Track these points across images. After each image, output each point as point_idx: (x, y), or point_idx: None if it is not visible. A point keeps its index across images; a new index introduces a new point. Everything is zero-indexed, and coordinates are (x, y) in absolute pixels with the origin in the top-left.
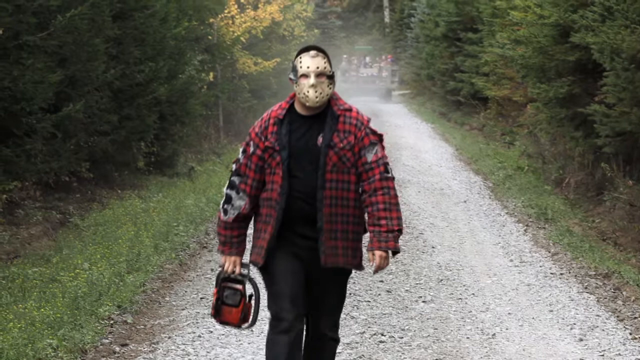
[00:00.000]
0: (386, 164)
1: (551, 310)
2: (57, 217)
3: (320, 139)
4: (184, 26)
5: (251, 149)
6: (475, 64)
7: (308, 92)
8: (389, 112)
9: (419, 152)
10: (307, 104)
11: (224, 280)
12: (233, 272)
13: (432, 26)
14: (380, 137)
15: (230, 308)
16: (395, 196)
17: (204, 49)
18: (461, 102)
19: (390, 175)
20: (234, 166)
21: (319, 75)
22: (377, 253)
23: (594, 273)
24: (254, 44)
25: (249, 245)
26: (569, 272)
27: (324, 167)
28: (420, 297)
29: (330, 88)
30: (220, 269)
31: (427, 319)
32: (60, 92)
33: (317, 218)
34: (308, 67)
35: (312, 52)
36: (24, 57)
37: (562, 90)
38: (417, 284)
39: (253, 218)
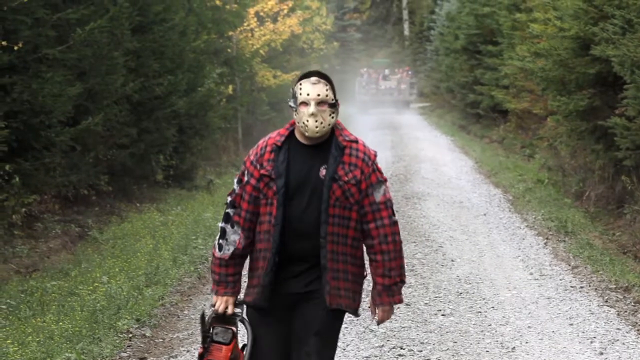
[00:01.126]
0: (393, 206)
1: (571, 324)
2: (75, 230)
3: (323, 171)
4: (203, 39)
5: (246, 178)
6: (495, 77)
7: (308, 121)
8: (409, 124)
9: (439, 164)
10: (307, 133)
11: (215, 320)
12: (225, 311)
13: (451, 39)
14: (385, 178)
15: (220, 346)
16: (401, 242)
17: (223, 61)
18: (481, 115)
19: (396, 219)
20: (228, 198)
21: (319, 103)
22: (385, 308)
23: (614, 286)
24: (273, 57)
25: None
26: (589, 286)
27: (327, 201)
28: (440, 310)
29: (332, 117)
30: (210, 308)
31: (447, 332)
32: (79, 105)
33: (320, 255)
34: (308, 95)
35: (313, 79)
36: (43, 71)
37: (583, 103)
38: (436, 297)
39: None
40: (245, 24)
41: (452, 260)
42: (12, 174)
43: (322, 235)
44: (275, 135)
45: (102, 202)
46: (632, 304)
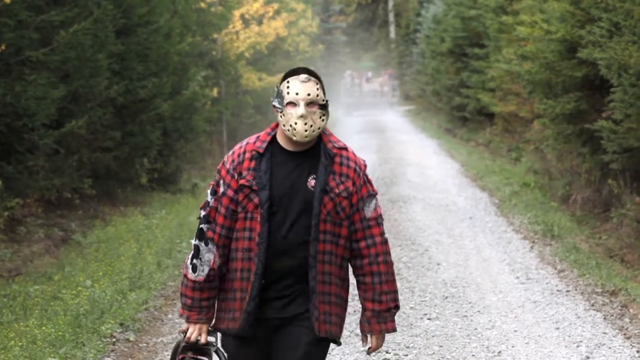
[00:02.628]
0: (383, 223)
1: (557, 328)
2: (59, 234)
3: (312, 181)
4: (188, 42)
5: (221, 190)
6: (481, 80)
7: (296, 123)
8: (394, 127)
9: (425, 168)
10: (295, 138)
11: (185, 350)
12: (197, 340)
13: (437, 41)
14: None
15: None
16: (393, 263)
17: (208, 64)
18: (467, 118)
19: (387, 237)
20: (202, 212)
21: (309, 104)
22: (376, 336)
23: (600, 290)
24: (258, 60)
25: None
26: (576, 289)
27: (318, 216)
28: (426, 314)
29: (322, 120)
30: (181, 336)
31: (432, 336)
32: (62, 108)
33: (302, 276)
34: (297, 94)
35: (303, 76)
36: (26, 73)
37: (569, 106)
38: (422, 301)
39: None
40: (230, 27)
41: (438, 264)
42: None
43: (312, 254)
44: (254, 141)
45: (86, 206)
46: (619, 307)
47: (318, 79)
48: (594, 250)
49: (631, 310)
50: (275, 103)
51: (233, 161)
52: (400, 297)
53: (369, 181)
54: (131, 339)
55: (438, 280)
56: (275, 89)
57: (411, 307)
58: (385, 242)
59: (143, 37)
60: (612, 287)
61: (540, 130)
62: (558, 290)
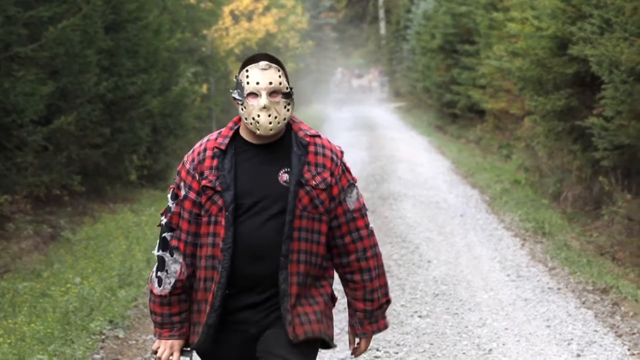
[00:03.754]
0: (367, 213)
1: (548, 326)
2: (48, 231)
3: (283, 175)
4: (177, 38)
5: (182, 193)
6: (472, 77)
7: (259, 116)
8: (385, 124)
9: (415, 165)
10: (259, 131)
11: None
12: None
13: (428, 38)
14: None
15: None
16: (381, 254)
17: (198, 60)
18: (457, 115)
19: (372, 227)
20: (163, 219)
21: (272, 93)
22: (367, 337)
23: (591, 288)
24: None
25: None
26: (567, 287)
27: (292, 212)
28: (416, 312)
29: (288, 110)
30: (153, 357)
31: (423, 334)
32: (51, 104)
33: (278, 279)
34: (258, 83)
35: (263, 63)
36: (14, 69)
37: (560, 103)
38: (412, 298)
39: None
40: (220, 23)
41: (429, 262)
42: None
43: (284, 254)
44: (215, 137)
45: (75, 203)
46: (610, 305)
47: (280, 65)
48: (585, 247)
49: (622, 308)
50: (235, 95)
51: (193, 160)
52: (390, 295)
53: (348, 169)
54: (120, 336)
55: (429, 278)
56: (235, 80)
57: (402, 305)
58: (371, 233)
59: (132, 33)
60: (603, 285)
61: (531, 128)
62: (549, 288)
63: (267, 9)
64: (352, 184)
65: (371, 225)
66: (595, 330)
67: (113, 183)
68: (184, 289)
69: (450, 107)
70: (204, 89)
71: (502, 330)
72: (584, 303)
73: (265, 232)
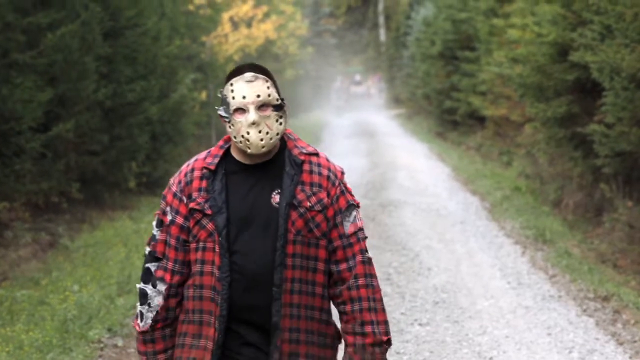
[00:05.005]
0: (365, 239)
1: (549, 334)
2: (46, 238)
3: (275, 197)
4: (176, 44)
5: (168, 218)
6: (472, 83)
7: (248, 133)
8: (384, 131)
9: (415, 172)
10: (249, 150)
11: None
12: None
13: (428, 44)
14: (356, 202)
15: None
16: (380, 288)
17: (197, 67)
18: (458, 122)
19: (370, 255)
20: (147, 249)
21: (261, 107)
22: None
23: (593, 295)
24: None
25: None
26: (568, 295)
27: (284, 237)
28: (416, 319)
29: (280, 123)
30: None
31: (423, 342)
32: (50, 111)
33: (271, 311)
34: (244, 97)
35: (248, 75)
36: (13, 76)
37: (561, 109)
38: (412, 306)
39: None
40: (219, 29)
41: (429, 269)
42: None
43: (276, 283)
44: (204, 157)
45: (74, 210)
46: (611, 313)
47: (268, 74)
48: (586, 255)
49: (624, 316)
50: (221, 112)
51: (180, 182)
52: (390, 303)
53: (348, 190)
54: (119, 344)
55: (429, 286)
56: (219, 95)
57: (402, 313)
58: (367, 261)
59: (131, 40)
60: (604, 293)
61: (531, 134)
62: (550, 296)
63: (266, 15)
64: (352, 205)
65: (369, 253)
66: (597, 338)
67: (112, 190)
68: (168, 323)
69: (451, 114)
70: (203, 95)
71: (502, 338)
72: (585, 311)
73: (258, 260)
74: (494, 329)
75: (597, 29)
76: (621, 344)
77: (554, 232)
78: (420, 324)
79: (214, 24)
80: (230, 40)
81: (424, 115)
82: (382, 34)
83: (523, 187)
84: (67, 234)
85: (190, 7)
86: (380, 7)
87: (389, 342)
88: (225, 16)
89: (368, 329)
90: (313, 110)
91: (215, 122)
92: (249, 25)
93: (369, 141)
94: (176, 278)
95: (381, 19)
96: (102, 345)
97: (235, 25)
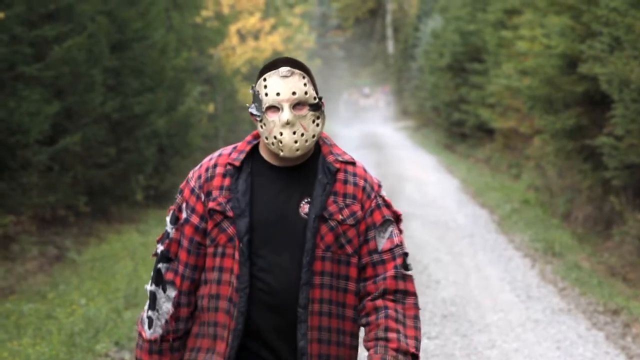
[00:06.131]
0: (405, 256)
1: (559, 347)
2: (53, 251)
3: (305, 206)
4: (184, 57)
5: (184, 215)
6: (480, 95)
7: (282, 134)
8: (393, 143)
9: (424, 184)
10: (282, 153)
11: None
12: None
13: (436, 57)
14: (396, 215)
15: None
16: (416, 307)
17: (204, 80)
18: (466, 134)
19: (410, 272)
20: (159, 247)
21: (296, 105)
22: None
23: (602, 309)
24: (255, 75)
25: None
26: (577, 308)
27: (312, 252)
28: (425, 333)
29: (317, 125)
30: None
31: (432, 355)
32: (56, 124)
33: (294, 334)
34: (278, 94)
35: (284, 70)
36: (19, 89)
37: (570, 121)
38: (421, 319)
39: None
40: (226, 42)
41: (438, 282)
42: None
43: (302, 304)
44: (230, 152)
45: (81, 223)
46: (621, 327)
47: (305, 70)
48: (596, 268)
49: (634, 330)
50: (252, 110)
51: (199, 177)
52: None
53: (387, 203)
54: (126, 358)
55: (437, 299)
56: (251, 91)
57: None
58: (401, 277)
59: (138, 52)
60: (614, 306)
61: (540, 147)
62: (559, 309)
63: (274, 27)
64: (388, 220)
65: (409, 271)
66: (607, 352)
67: (119, 203)
68: (179, 335)
69: (459, 126)
70: (211, 108)
71: (512, 352)
72: (594, 324)
73: (282, 275)
74: (503, 342)
75: (606, 41)
76: (631, 357)
77: (564, 245)
78: (428, 338)
79: (221, 36)
80: (237, 52)
81: (433, 128)
82: (390, 46)
83: (532, 199)
84: (74, 247)
85: (198, 20)
86: (388, 19)
87: (415, 357)
88: (233, 28)
89: (392, 335)
90: None
91: (223, 135)
92: (256, 37)
93: (377, 153)
94: (186, 284)
95: (389, 31)
96: (109, 359)
97: (242, 37)
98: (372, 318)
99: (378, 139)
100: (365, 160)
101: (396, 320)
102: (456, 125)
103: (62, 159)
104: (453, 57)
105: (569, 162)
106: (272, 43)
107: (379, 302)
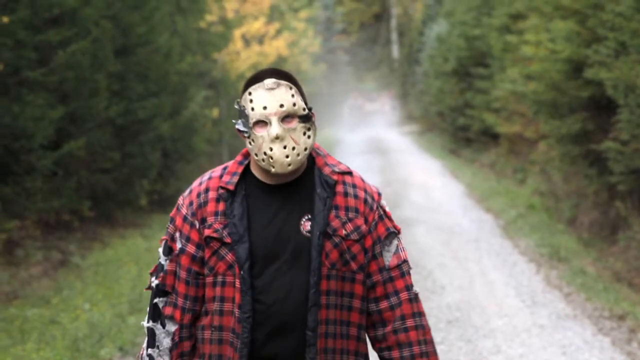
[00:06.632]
0: (410, 272)
1: (564, 353)
2: (57, 256)
3: (306, 224)
4: (188, 61)
5: (178, 245)
6: (485, 100)
7: (271, 149)
8: (398, 148)
9: (429, 189)
10: (273, 169)
11: None
12: None
13: (441, 61)
14: (397, 229)
15: None
16: (429, 328)
17: (208, 84)
18: (471, 139)
19: (416, 290)
20: (153, 280)
21: (285, 118)
22: None
23: (608, 314)
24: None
25: None
26: (583, 314)
27: (318, 271)
28: None
29: (309, 137)
30: None
31: None
32: (61, 129)
33: (304, 359)
34: (265, 108)
35: (269, 82)
36: (24, 93)
37: (575, 126)
38: None
39: None
40: (231, 46)
41: (442, 287)
42: None
43: (310, 327)
44: (219, 174)
45: (85, 228)
46: (627, 332)
47: (291, 80)
48: (601, 273)
49: (639, 335)
50: (239, 126)
51: (191, 204)
52: None
53: (387, 215)
54: None
55: (442, 304)
56: (236, 107)
57: None
58: (414, 298)
59: (142, 57)
60: (620, 312)
61: (545, 151)
62: (565, 315)
63: (278, 32)
64: (392, 233)
65: (415, 288)
66: (612, 358)
67: (123, 208)
68: None
69: (464, 131)
70: (215, 113)
71: (517, 358)
72: (600, 330)
73: (287, 299)
74: (508, 348)
75: (612, 46)
76: None
77: (569, 250)
78: None
79: (225, 41)
80: (242, 57)
81: (437, 132)
82: (395, 51)
83: (537, 204)
84: (78, 252)
85: (202, 24)
86: (393, 23)
87: None
88: (237, 33)
89: None
90: (325, 128)
91: (227, 140)
92: (260, 42)
93: (382, 158)
94: (187, 317)
95: (394, 36)
96: None
97: (247, 42)
98: (395, 354)
99: (383, 144)
100: (370, 165)
101: (421, 356)
102: (461, 130)
103: (66, 164)
104: (458, 61)
105: (574, 167)
106: (276, 48)
107: (402, 337)
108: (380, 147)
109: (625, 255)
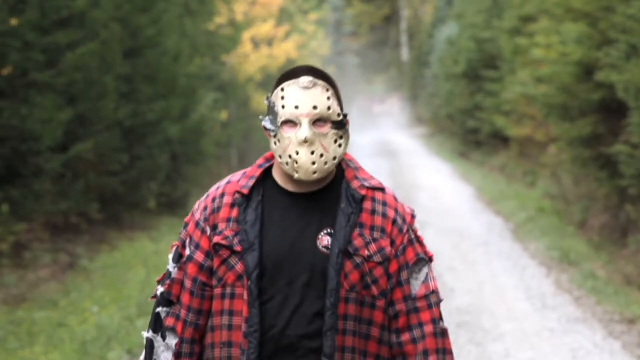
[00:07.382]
0: (440, 304)
1: (575, 357)
2: (65, 259)
3: (324, 239)
4: (197, 64)
5: (187, 252)
6: (496, 103)
7: (298, 153)
8: (407, 151)
9: (438, 192)
10: (297, 175)
11: None
12: None
13: (451, 64)
14: (429, 256)
15: None
16: None
17: (217, 87)
18: (481, 142)
19: (445, 326)
20: (159, 288)
21: (317, 121)
22: None
23: (619, 318)
24: (268, 82)
25: None
26: (593, 317)
27: (335, 293)
28: None
29: (340, 146)
30: None
31: None
32: (69, 131)
33: None
34: (297, 108)
35: (305, 80)
36: (32, 96)
37: (586, 129)
38: None
39: None
40: (240, 49)
41: (452, 291)
42: (0, 202)
43: (327, 353)
44: (238, 179)
45: (93, 231)
46: (637, 336)
47: (329, 82)
48: (612, 277)
49: None
50: (266, 123)
51: (205, 208)
52: None
53: (419, 240)
54: None
55: (452, 308)
56: (266, 102)
57: None
58: (440, 333)
59: (151, 59)
60: (630, 315)
61: (556, 155)
62: (575, 318)
63: (288, 34)
64: (422, 259)
65: (444, 324)
66: None
67: (131, 211)
68: None
69: (474, 134)
70: (224, 115)
71: None
72: (611, 334)
73: (300, 320)
74: (518, 351)
75: (623, 48)
76: None
77: (579, 253)
78: None
79: (234, 43)
80: (251, 59)
81: (447, 135)
82: (405, 53)
83: (548, 208)
84: (86, 254)
85: (211, 27)
86: (403, 26)
87: None
88: (246, 35)
89: None
90: None
91: (236, 142)
92: (270, 44)
93: (391, 161)
94: (189, 331)
95: (404, 38)
96: None
97: (256, 44)
98: None
99: (392, 146)
100: (379, 167)
101: None
102: (471, 133)
103: (74, 166)
104: (468, 64)
105: (585, 170)
106: (286, 50)
107: None
108: (389, 150)
109: (636, 259)
